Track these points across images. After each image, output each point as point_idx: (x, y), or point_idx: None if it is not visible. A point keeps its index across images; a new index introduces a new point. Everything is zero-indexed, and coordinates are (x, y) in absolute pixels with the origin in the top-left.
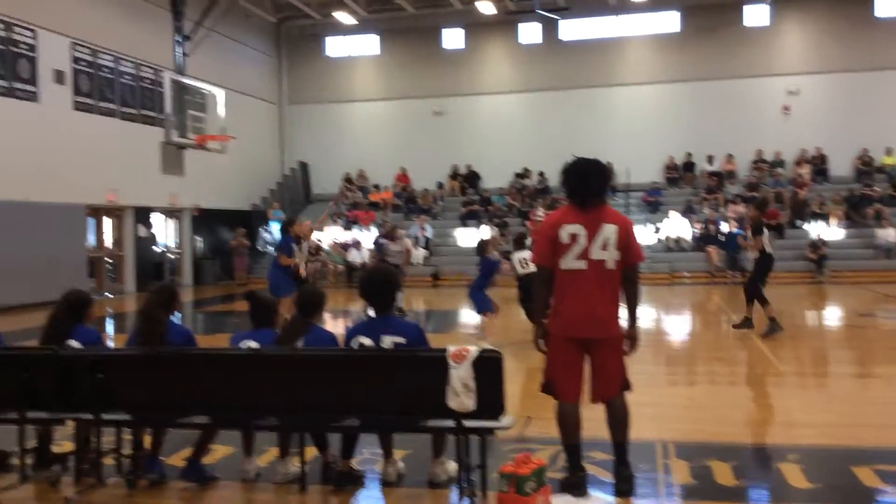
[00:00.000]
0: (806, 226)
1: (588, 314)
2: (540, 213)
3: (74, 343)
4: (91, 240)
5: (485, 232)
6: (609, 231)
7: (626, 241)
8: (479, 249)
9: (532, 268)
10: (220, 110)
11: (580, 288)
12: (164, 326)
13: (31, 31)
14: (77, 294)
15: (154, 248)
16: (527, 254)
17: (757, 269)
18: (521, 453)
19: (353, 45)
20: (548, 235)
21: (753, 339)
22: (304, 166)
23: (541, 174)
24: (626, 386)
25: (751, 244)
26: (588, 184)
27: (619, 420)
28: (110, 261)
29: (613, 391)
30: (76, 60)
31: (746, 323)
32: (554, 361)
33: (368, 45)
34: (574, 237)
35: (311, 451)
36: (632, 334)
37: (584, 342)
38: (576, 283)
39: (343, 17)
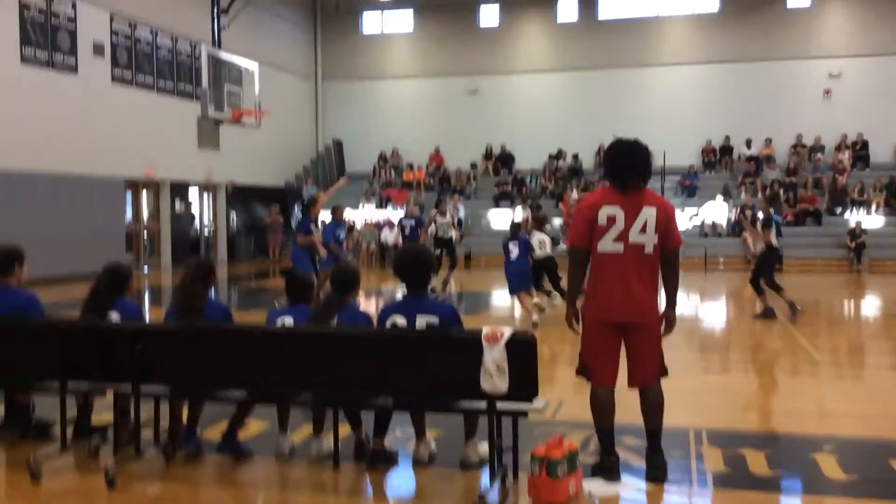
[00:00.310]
0: (845, 213)
1: (625, 298)
2: (574, 194)
3: (115, 315)
4: (129, 214)
5: (518, 213)
6: (649, 214)
7: (666, 226)
8: (514, 230)
9: (548, 250)
10: (256, 85)
11: (617, 271)
12: (202, 301)
13: (72, 3)
14: (118, 267)
15: (191, 224)
16: (544, 236)
17: (762, 262)
18: (554, 436)
19: (389, 22)
20: (585, 216)
21: (789, 328)
22: (338, 144)
23: (575, 156)
24: (663, 372)
25: (759, 236)
26: (630, 165)
27: (653, 406)
28: (147, 235)
29: (651, 377)
30: (115, 33)
31: (769, 313)
32: (589, 345)
33: (403, 21)
34: (612, 219)
35: (345, 429)
36: (669, 316)
37: (620, 326)
38: (613, 267)
39: None
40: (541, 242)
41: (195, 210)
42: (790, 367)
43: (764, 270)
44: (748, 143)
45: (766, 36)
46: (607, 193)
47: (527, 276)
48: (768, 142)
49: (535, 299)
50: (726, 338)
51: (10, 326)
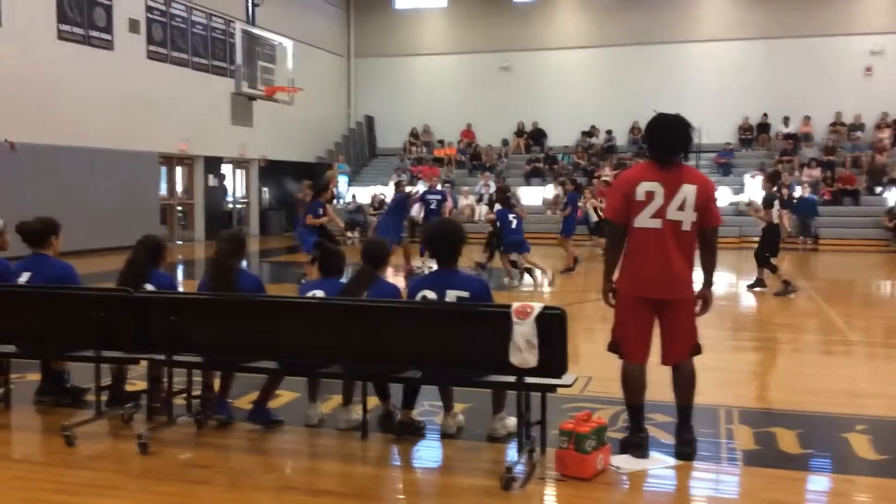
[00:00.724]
0: (884, 192)
1: (661, 274)
2: (607, 172)
3: (149, 286)
4: (163, 188)
5: (550, 190)
6: (688, 191)
7: (705, 203)
8: (506, 202)
9: None
10: (289, 62)
11: (654, 247)
12: (235, 273)
13: None
14: (154, 239)
15: (223, 198)
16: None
17: (765, 240)
18: (582, 412)
19: None
20: (623, 191)
21: (823, 306)
22: (369, 120)
23: (608, 133)
24: (697, 350)
25: (760, 215)
26: (670, 139)
27: (685, 383)
28: (181, 209)
29: (684, 354)
30: (150, 10)
31: (759, 283)
32: (623, 320)
33: None
34: (650, 195)
35: (373, 401)
36: (705, 295)
37: (654, 303)
38: (649, 243)
39: None
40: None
41: (228, 185)
42: (823, 347)
43: (768, 248)
44: (786, 121)
45: (806, 12)
46: (647, 169)
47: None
48: (807, 119)
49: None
50: (758, 316)
51: (47, 296)
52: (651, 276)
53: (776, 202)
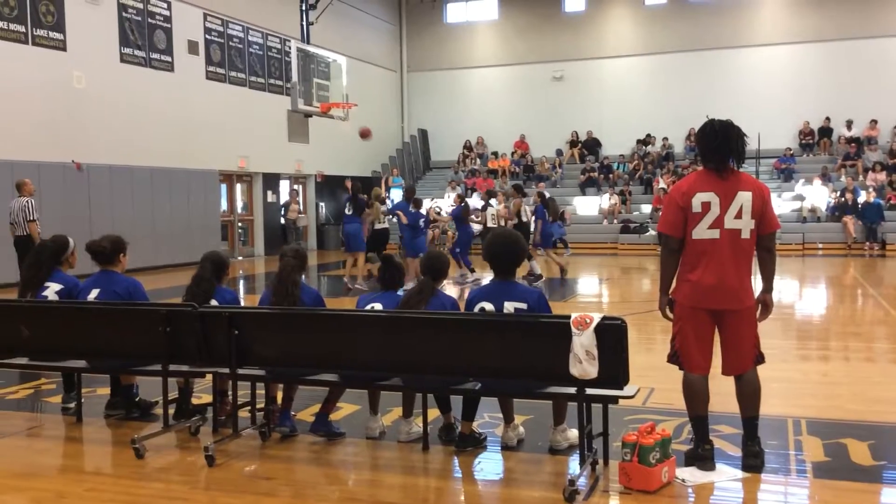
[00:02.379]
0: None
1: (721, 284)
2: (661, 183)
3: (213, 302)
4: (223, 205)
5: (605, 200)
6: (744, 198)
7: (762, 209)
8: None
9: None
10: (343, 78)
11: (713, 257)
12: (299, 288)
13: (167, 2)
14: (218, 256)
15: (282, 214)
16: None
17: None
18: (645, 423)
19: (472, 11)
20: (678, 204)
21: (893, 314)
22: (423, 133)
23: (665, 140)
24: (760, 359)
25: (503, 215)
26: (722, 146)
27: (749, 394)
28: (241, 225)
29: (746, 364)
30: (208, 31)
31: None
32: (683, 332)
33: (487, 9)
34: (707, 205)
35: (434, 413)
36: (766, 300)
37: (715, 313)
38: (709, 253)
39: None
40: (492, 216)
41: (286, 200)
42: (893, 355)
43: None
44: (848, 125)
45: (865, 12)
46: (701, 178)
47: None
48: (873, 123)
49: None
50: (826, 325)
51: (115, 312)
52: (711, 287)
53: (489, 211)
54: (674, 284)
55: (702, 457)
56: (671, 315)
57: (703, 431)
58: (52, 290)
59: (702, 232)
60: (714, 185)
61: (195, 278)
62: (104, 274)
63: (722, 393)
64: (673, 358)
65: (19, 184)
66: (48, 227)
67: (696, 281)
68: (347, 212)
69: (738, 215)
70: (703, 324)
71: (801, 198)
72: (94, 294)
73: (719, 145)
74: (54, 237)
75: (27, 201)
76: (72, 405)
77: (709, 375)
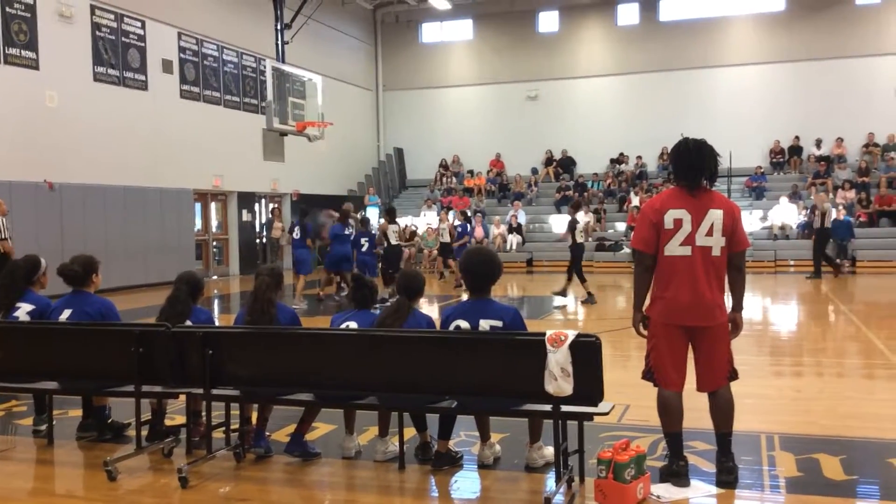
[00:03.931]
0: None
1: (694, 301)
2: (635, 200)
3: (187, 322)
4: (198, 224)
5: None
6: (715, 216)
7: (733, 227)
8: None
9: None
10: (319, 97)
11: (685, 274)
12: (275, 307)
13: (141, 22)
14: (192, 276)
15: (257, 233)
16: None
17: (572, 257)
18: (620, 440)
19: (448, 31)
20: (651, 221)
21: (863, 329)
22: (399, 152)
23: (639, 158)
24: (733, 375)
25: (563, 235)
26: (696, 164)
27: (723, 410)
28: (216, 244)
29: (720, 381)
30: (182, 50)
31: (563, 293)
32: (657, 348)
33: (462, 30)
34: (679, 222)
35: (410, 432)
36: (735, 319)
37: (688, 329)
38: (681, 270)
39: (438, 2)
40: (395, 232)
41: (261, 219)
42: (865, 371)
43: (576, 264)
44: (818, 143)
45: (834, 34)
46: (673, 196)
47: None
48: (839, 141)
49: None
50: (797, 341)
51: (88, 332)
52: (683, 304)
53: (578, 226)
54: (647, 301)
55: (676, 473)
56: (644, 332)
57: (677, 448)
58: (23, 310)
59: (674, 248)
60: (686, 202)
61: (170, 299)
62: (76, 295)
63: (696, 409)
64: (647, 375)
65: None
66: (20, 247)
67: (669, 298)
68: (295, 236)
69: (710, 233)
70: (676, 340)
71: (765, 218)
72: (65, 315)
73: (692, 163)
74: (26, 257)
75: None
76: (43, 427)
77: (682, 392)
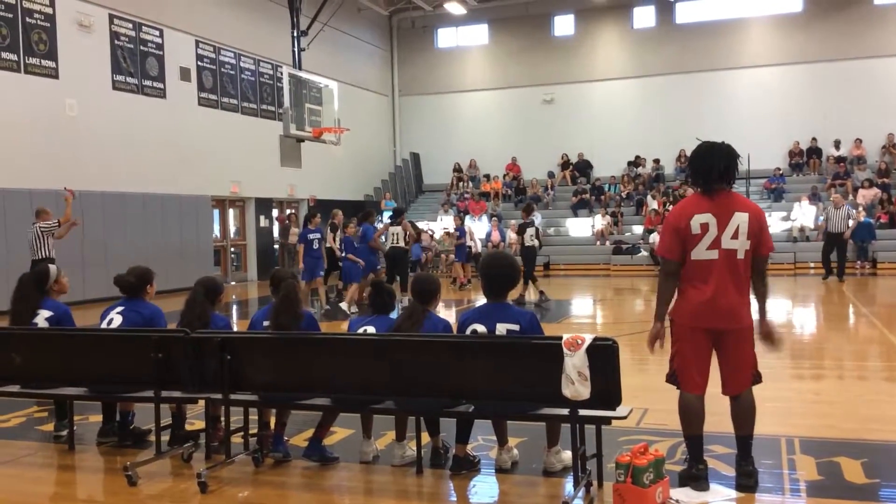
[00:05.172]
0: None
1: (720, 304)
2: (653, 203)
3: None
4: (216, 230)
5: (598, 221)
6: (741, 219)
7: (759, 231)
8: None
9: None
10: (335, 103)
11: (711, 278)
12: (303, 310)
13: (159, 30)
14: (210, 281)
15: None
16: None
17: (524, 261)
18: (639, 444)
19: (463, 36)
20: (677, 228)
21: (884, 332)
22: (415, 157)
23: (656, 161)
24: (757, 379)
25: (512, 241)
26: (713, 167)
27: (745, 414)
28: (234, 250)
29: (745, 384)
30: (200, 58)
31: (521, 298)
32: (682, 352)
33: (478, 34)
34: (706, 226)
35: (428, 436)
36: (768, 330)
37: (713, 333)
38: (707, 273)
39: (453, 7)
40: (394, 234)
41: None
42: (886, 374)
43: (529, 267)
44: (836, 144)
45: (852, 34)
46: (697, 200)
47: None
48: (858, 142)
49: None
50: (818, 344)
51: (107, 338)
52: (710, 307)
53: (528, 229)
54: (672, 305)
55: (696, 476)
56: (659, 347)
57: (697, 451)
58: (41, 317)
59: (701, 253)
60: (710, 206)
61: (187, 302)
62: (129, 301)
63: (716, 413)
64: (671, 378)
65: (38, 211)
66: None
67: (696, 301)
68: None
69: (735, 236)
70: (701, 344)
71: (788, 219)
72: (116, 319)
73: (711, 167)
74: (37, 268)
75: (40, 226)
76: (64, 433)
77: (703, 402)
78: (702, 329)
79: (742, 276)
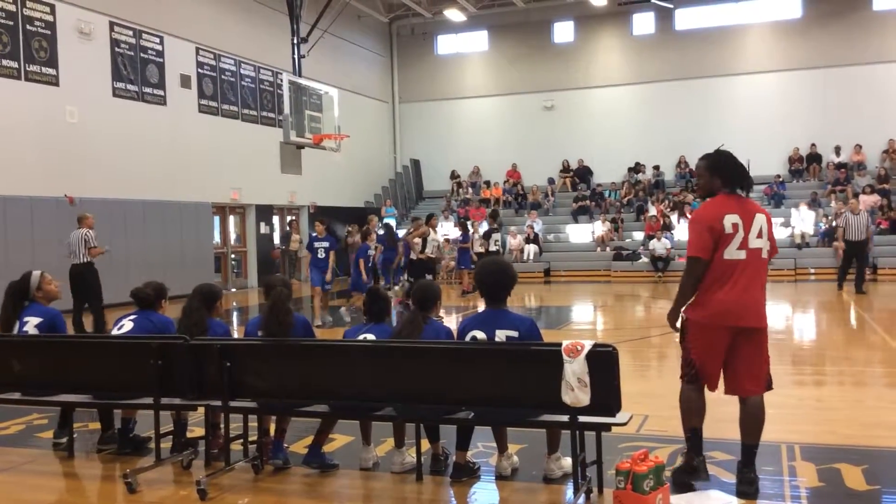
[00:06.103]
0: None
1: (748, 303)
2: (652, 210)
3: None
4: (216, 237)
5: (598, 227)
6: (761, 220)
7: (771, 232)
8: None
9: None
10: (335, 110)
11: (742, 277)
12: (292, 316)
13: (159, 37)
14: (209, 288)
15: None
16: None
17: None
18: (639, 451)
19: (463, 42)
20: (712, 227)
21: (885, 338)
22: (415, 163)
23: (656, 168)
24: (769, 384)
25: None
26: (747, 173)
27: (754, 420)
28: (234, 256)
29: (760, 386)
30: (200, 65)
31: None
32: (703, 348)
33: (477, 41)
34: (736, 226)
35: (427, 443)
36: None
37: (733, 332)
38: (735, 272)
39: (453, 14)
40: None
41: (279, 231)
42: (887, 380)
43: None
44: (837, 151)
45: (852, 40)
46: (725, 202)
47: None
48: (858, 148)
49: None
50: (819, 350)
51: (107, 345)
52: (739, 305)
53: (494, 235)
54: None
55: (695, 468)
56: (677, 327)
57: (697, 444)
58: (31, 323)
59: (731, 252)
60: (737, 207)
61: (184, 310)
62: (142, 311)
63: (717, 419)
64: (689, 376)
65: (80, 217)
66: (42, 262)
67: (723, 300)
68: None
69: (759, 235)
70: (719, 343)
71: (787, 224)
72: (127, 326)
73: (744, 171)
74: (22, 276)
75: (86, 232)
76: (63, 440)
77: (705, 396)
78: (724, 328)
79: (763, 276)
